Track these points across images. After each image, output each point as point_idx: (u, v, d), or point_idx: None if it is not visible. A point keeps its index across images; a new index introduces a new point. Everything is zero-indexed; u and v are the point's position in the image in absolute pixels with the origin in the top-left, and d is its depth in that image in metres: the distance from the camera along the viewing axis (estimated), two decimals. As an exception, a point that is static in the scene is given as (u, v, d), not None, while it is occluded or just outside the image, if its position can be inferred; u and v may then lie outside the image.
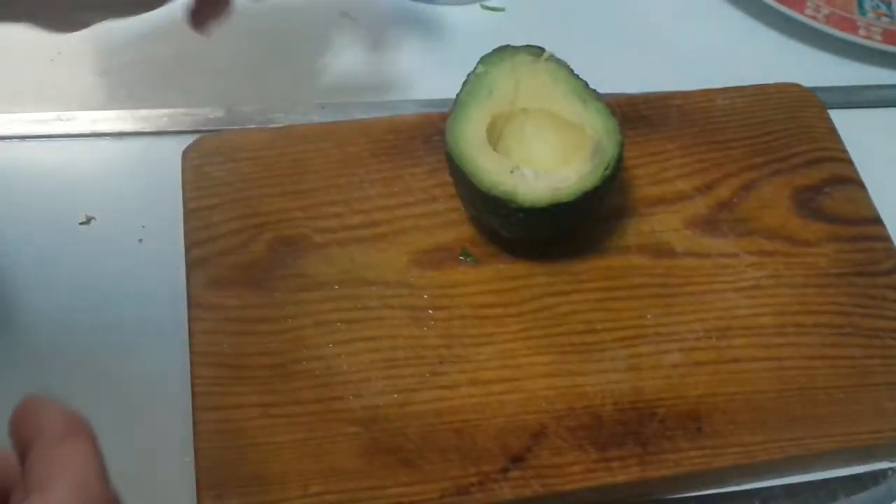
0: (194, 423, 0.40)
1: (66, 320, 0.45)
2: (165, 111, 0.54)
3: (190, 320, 0.43)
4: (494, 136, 0.46)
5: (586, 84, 0.48)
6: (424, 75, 0.57)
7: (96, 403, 0.42)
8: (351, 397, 0.41)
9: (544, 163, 0.45)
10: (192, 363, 0.42)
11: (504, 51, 0.48)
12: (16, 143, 0.52)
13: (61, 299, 0.46)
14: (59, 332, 0.45)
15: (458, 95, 0.47)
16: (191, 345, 0.42)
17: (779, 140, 0.53)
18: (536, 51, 0.48)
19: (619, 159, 0.45)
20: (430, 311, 0.44)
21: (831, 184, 0.51)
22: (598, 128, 0.45)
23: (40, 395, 0.29)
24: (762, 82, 0.56)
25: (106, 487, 0.26)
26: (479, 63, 0.47)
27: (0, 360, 0.44)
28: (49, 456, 0.26)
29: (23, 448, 0.27)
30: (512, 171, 0.43)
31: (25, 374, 0.43)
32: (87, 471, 0.26)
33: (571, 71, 0.48)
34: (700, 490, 0.43)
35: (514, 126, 0.47)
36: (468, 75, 0.47)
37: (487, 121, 0.46)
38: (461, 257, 0.46)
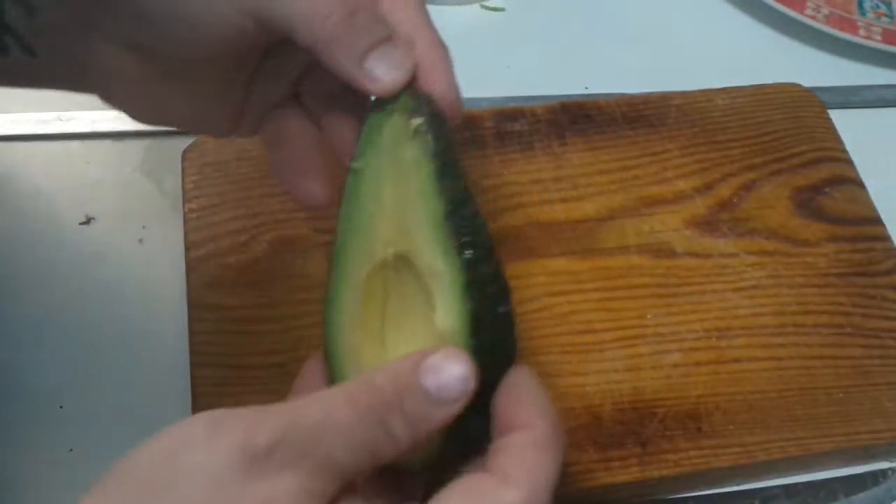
0: (194, 423, 0.40)
1: (66, 320, 0.45)
2: (165, 111, 0.54)
3: (190, 320, 0.43)
4: (374, 305, 0.33)
5: (453, 171, 0.32)
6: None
7: (96, 403, 0.43)
8: (351, 397, 0.41)
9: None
10: (191, 363, 0.42)
11: (379, 114, 0.33)
12: (16, 143, 0.52)
13: (61, 299, 0.46)
14: (59, 332, 0.45)
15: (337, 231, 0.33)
16: (191, 345, 0.42)
17: (779, 140, 0.53)
18: (407, 113, 0.32)
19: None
20: (430, 311, 0.44)
21: (831, 184, 0.51)
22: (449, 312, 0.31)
23: (530, 375, 0.30)
24: (762, 82, 0.56)
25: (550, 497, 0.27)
26: (357, 148, 0.33)
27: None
28: (524, 455, 0.27)
29: (504, 425, 0.28)
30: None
31: (25, 373, 0.43)
32: (545, 488, 0.27)
33: (438, 151, 0.32)
34: (700, 490, 0.43)
35: (391, 283, 0.33)
36: (348, 174, 0.33)
37: (363, 278, 0.32)
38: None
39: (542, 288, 0.45)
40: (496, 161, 0.50)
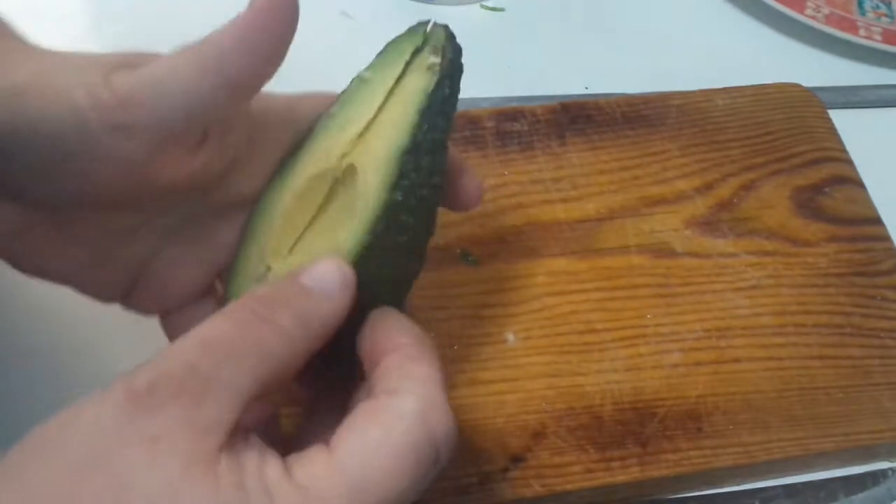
0: (194, 423, 0.40)
1: (65, 320, 0.45)
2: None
3: (190, 320, 0.43)
4: (303, 212, 0.33)
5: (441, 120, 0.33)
6: (424, 75, 0.57)
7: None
8: (351, 397, 0.41)
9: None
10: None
11: (408, 37, 0.34)
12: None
13: (61, 298, 0.46)
14: (59, 332, 0.45)
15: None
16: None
17: (779, 140, 0.53)
18: (431, 47, 0.34)
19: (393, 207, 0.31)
20: (431, 312, 0.44)
21: (831, 184, 0.51)
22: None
23: (391, 310, 0.31)
24: (762, 82, 0.56)
25: (446, 411, 0.27)
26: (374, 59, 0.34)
27: None
28: (403, 369, 0.28)
29: (375, 357, 0.29)
30: (259, 279, 0.33)
31: (25, 372, 0.43)
32: (434, 394, 0.27)
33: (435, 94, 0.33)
34: (700, 490, 0.43)
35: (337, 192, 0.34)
36: (354, 80, 0.34)
37: (304, 180, 0.33)
38: (461, 257, 0.46)
39: (542, 288, 0.45)
40: (496, 161, 0.50)
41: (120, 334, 0.45)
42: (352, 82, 0.34)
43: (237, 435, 0.25)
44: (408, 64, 0.33)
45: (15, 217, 0.31)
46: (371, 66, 0.34)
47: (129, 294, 0.34)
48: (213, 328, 0.26)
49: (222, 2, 0.61)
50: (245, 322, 0.26)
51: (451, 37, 0.34)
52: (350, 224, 0.31)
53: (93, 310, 0.45)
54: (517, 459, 0.40)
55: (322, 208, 0.33)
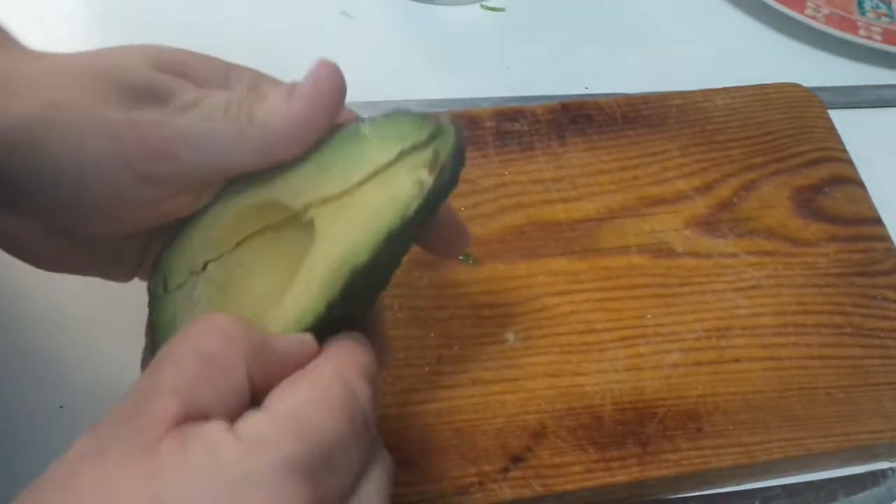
0: (194, 423, 0.40)
1: (66, 319, 0.45)
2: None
3: (190, 320, 0.43)
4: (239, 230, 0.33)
5: None
6: (424, 75, 0.57)
7: (96, 403, 0.42)
8: (351, 397, 0.41)
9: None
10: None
11: (416, 125, 0.31)
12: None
13: (61, 298, 0.46)
14: (59, 332, 0.45)
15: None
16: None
17: (779, 140, 0.53)
18: (436, 144, 0.31)
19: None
20: (431, 311, 0.44)
21: (831, 184, 0.51)
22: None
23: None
24: (762, 82, 0.56)
25: (364, 381, 0.28)
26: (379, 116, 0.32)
27: None
28: (325, 350, 0.29)
29: None
30: (193, 272, 0.33)
31: (24, 372, 0.43)
32: (351, 361, 0.28)
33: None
34: (700, 490, 0.43)
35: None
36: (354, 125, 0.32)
37: (263, 198, 0.32)
38: (461, 257, 0.46)
39: (542, 288, 0.45)
40: (496, 161, 0.50)
41: (120, 334, 0.45)
42: (350, 128, 0.31)
43: (185, 423, 0.25)
44: (404, 153, 0.30)
45: (31, 227, 0.32)
46: (372, 124, 0.31)
47: (141, 267, 0.35)
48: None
49: (222, 2, 0.61)
50: (181, 332, 0.27)
51: (457, 150, 0.30)
52: (291, 293, 0.30)
53: (94, 310, 0.45)
54: (517, 459, 0.40)
55: (270, 230, 0.33)
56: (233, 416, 0.25)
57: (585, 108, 0.53)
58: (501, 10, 0.62)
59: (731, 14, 0.64)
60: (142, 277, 0.36)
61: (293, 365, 0.28)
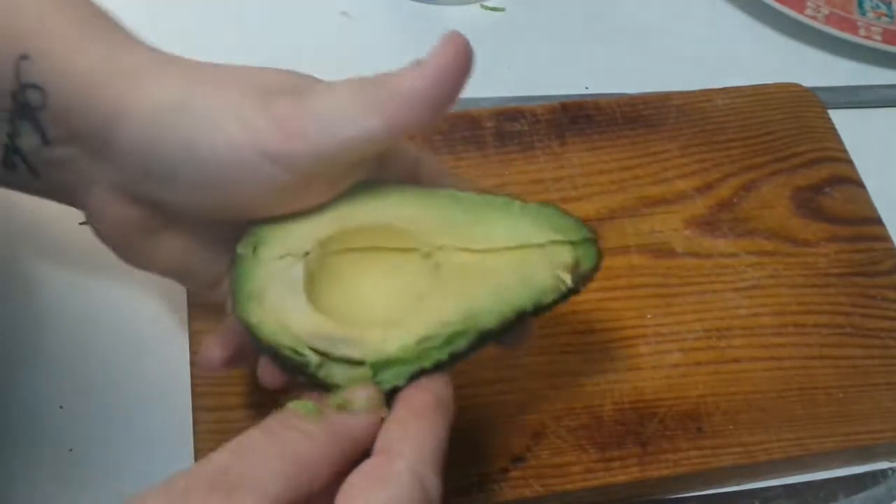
0: (194, 423, 0.40)
1: (66, 318, 0.45)
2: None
3: (190, 320, 0.43)
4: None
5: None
6: (424, 75, 0.57)
7: (96, 403, 0.43)
8: (351, 397, 0.41)
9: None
10: (191, 363, 0.42)
11: (570, 225, 0.34)
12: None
13: (62, 298, 0.46)
14: (60, 331, 0.45)
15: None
16: (191, 345, 0.42)
17: (779, 140, 0.53)
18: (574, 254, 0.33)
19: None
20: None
21: (831, 184, 0.51)
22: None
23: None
24: (762, 82, 0.56)
25: (436, 475, 0.28)
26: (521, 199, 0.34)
27: None
28: (406, 428, 0.28)
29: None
30: (289, 255, 0.32)
31: (24, 372, 0.43)
32: (425, 452, 0.28)
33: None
34: (700, 490, 0.43)
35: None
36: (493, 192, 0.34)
37: (389, 218, 0.33)
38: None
39: (542, 288, 0.45)
40: (496, 161, 0.50)
41: (120, 334, 0.45)
42: (498, 196, 0.33)
43: None
44: (553, 242, 0.32)
45: (141, 218, 0.33)
46: (525, 205, 0.33)
47: (215, 286, 0.36)
48: (246, 435, 0.28)
49: (222, 2, 0.61)
50: (272, 428, 0.28)
51: (596, 269, 0.33)
52: (410, 328, 0.31)
53: (94, 311, 0.45)
54: (517, 459, 0.40)
55: (379, 249, 0.33)
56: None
57: (585, 108, 0.53)
58: (501, 10, 0.62)
59: (731, 14, 0.64)
60: (218, 295, 0.36)
61: (365, 442, 0.29)
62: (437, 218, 0.33)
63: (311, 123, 0.29)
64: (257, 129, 0.29)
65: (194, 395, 0.41)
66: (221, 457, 0.27)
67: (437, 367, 0.30)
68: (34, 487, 0.40)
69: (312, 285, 0.32)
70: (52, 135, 0.31)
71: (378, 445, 0.28)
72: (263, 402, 0.41)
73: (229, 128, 0.29)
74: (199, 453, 0.39)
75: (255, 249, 0.32)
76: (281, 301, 0.31)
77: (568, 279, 0.32)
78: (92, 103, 0.30)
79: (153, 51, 0.32)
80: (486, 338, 0.31)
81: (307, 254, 0.32)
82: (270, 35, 0.58)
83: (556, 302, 0.32)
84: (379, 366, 0.30)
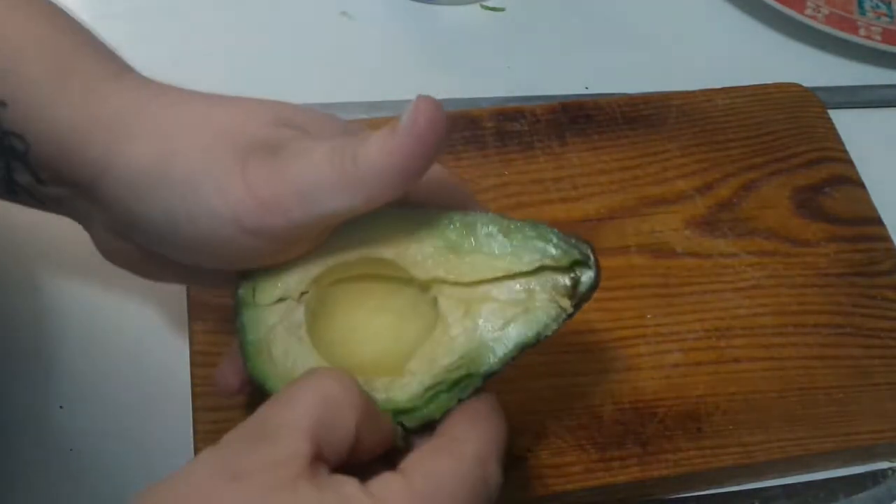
0: (194, 423, 0.40)
1: (66, 318, 0.45)
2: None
3: (190, 320, 0.43)
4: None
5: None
6: (424, 75, 0.57)
7: (96, 403, 0.43)
8: (351, 397, 0.41)
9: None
10: (191, 363, 0.42)
11: (564, 247, 0.33)
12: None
13: (62, 298, 0.46)
14: (60, 331, 0.45)
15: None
16: (191, 345, 0.42)
17: (779, 140, 0.53)
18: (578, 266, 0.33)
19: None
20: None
21: (831, 184, 0.51)
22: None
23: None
24: (762, 82, 0.56)
25: (498, 465, 0.29)
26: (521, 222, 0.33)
27: None
28: (473, 422, 0.30)
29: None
30: (285, 297, 0.33)
31: (24, 373, 0.43)
32: (491, 448, 0.29)
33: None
34: (700, 490, 0.43)
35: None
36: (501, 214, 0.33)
37: (382, 252, 0.33)
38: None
39: (542, 288, 0.45)
40: (496, 161, 0.50)
41: (121, 335, 0.45)
42: (487, 217, 0.32)
43: (317, 468, 0.27)
44: (544, 268, 0.31)
45: (141, 250, 0.33)
46: (515, 226, 0.32)
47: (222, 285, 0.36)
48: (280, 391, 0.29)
49: (223, 3, 0.61)
50: (305, 376, 0.29)
51: (595, 288, 0.32)
52: (416, 372, 0.31)
53: (95, 311, 0.45)
54: (517, 459, 0.40)
55: (370, 278, 0.33)
56: (333, 465, 0.27)
57: (585, 108, 0.53)
58: (501, 10, 0.62)
59: (731, 14, 0.64)
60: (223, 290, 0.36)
61: (381, 444, 0.29)
62: (429, 247, 0.32)
63: (289, 197, 0.29)
64: (235, 201, 0.29)
65: (194, 395, 0.41)
66: (260, 410, 0.28)
67: (447, 412, 0.31)
68: (34, 487, 0.40)
69: (314, 320, 0.32)
70: (43, 176, 0.32)
71: (442, 430, 0.30)
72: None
73: (208, 200, 0.29)
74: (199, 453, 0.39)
75: (254, 293, 0.33)
76: (288, 352, 0.32)
77: (569, 306, 0.31)
78: (76, 158, 0.30)
79: (132, 89, 0.31)
80: (490, 377, 0.31)
81: (304, 293, 0.32)
82: (271, 35, 0.58)
83: (557, 330, 0.31)
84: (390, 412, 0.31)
